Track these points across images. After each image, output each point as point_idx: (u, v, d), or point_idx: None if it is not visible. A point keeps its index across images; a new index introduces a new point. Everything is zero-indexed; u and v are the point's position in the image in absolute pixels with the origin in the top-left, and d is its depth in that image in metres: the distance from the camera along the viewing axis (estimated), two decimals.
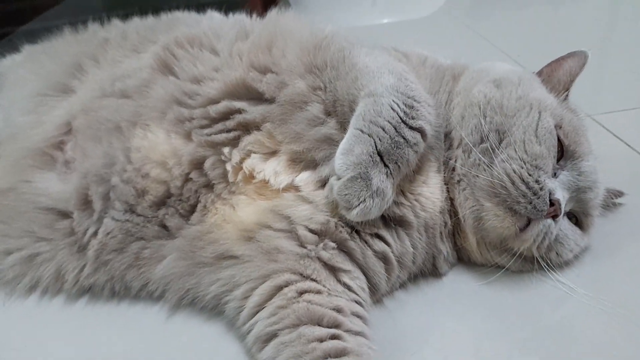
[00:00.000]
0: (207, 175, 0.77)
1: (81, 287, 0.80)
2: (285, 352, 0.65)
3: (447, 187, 0.82)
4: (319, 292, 0.71)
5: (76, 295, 0.81)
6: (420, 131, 0.73)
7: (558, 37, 1.70)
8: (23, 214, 0.80)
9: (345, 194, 0.69)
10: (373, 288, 0.76)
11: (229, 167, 0.77)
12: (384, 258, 0.76)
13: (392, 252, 0.77)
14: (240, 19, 0.96)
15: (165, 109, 0.80)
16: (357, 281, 0.74)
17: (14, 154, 0.85)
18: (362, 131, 0.71)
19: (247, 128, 0.78)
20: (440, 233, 0.81)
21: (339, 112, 0.76)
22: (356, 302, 0.72)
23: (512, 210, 0.75)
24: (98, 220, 0.78)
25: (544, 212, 0.74)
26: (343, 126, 0.75)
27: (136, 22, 1.04)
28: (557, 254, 0.79)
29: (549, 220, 0.76)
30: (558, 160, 0.79)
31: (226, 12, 1.01)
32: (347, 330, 0.67)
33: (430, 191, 0.79)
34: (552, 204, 0.75)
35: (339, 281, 0.73)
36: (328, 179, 0.74)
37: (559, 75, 0.89)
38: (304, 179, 0.76)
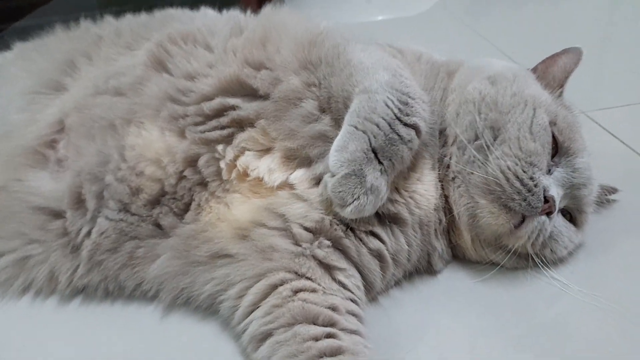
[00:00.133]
0: (201, 173, 0.77)
1: (75, 288, 0.80)
2: (281, 351, 0.64)
3: (442, 185, 0.81)
4: (314, 290, 0.70)
5: (70, 295, 0.80)
6: (415, 128, 0.73)
7: (553, 34, 1.70)
8: (15, 214, 0.80)
9: (339, 191, 0.69)
10: (368, 286, 0.76)
11: (222, 164, 0.77)
12: (378, 256, 0.76)
13: (387, 249, 0.76)
14: (234, 15, 0.96)
15: (159, 107, 0.79)
16: (352, 279, 0.74)
17: (5, 153, 0.84)
18: (356, 128, 0.71)
19: (241, 125, 0.77)
20: (435, 230, 0.81)
21: (334, 109, 0.76)
22: (351, 300, 0.72)
23: (506, 207, 0.75)
24: (92, 220, 0.78)
25: (539, 209, 0.74)
26: (337, 123, 0.75)
27: (129, 19, 1.03)
28: (551, 250, 0.80)
29: (544, 217, 0.76)
30: (552, 156, 0.79)
31: (220, 9, 1.00)
32: (342, 329, 0.67)
33: (425, 188, 0.79)
34: (546, 200, 0.75)
35: (334, 279, 0.73)
36: (323, 177, 0.74)
37: (553, 72, 0.89)
38: (299, 176, 0.76)
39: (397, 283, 0.82)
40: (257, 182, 0.77)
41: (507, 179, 0.74)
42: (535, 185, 0.74)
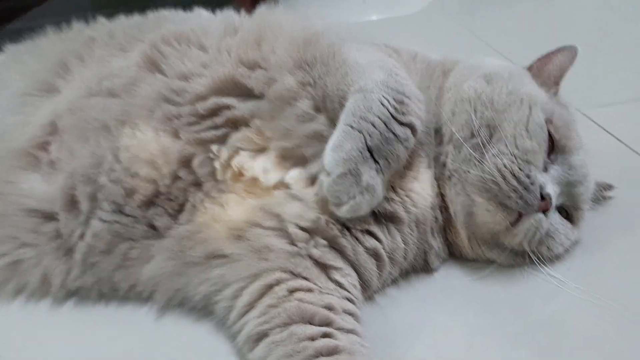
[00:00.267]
0: (195, 174, 0.76)
1: (68, 290, 0.79)
2: (277, 352, 0.64)
3: (438, 183, 0.81)
4: (310, 290, 0.70)
5: (63, 298, 0.80)
6: (411, 127, 0.73)
7: (548, 32, 1.70)
8: (6, 217, 0.79)
9: (335, 191, 0.69)
10: (364, 285, 0.76)
11: (217, 164, 0.76)
12: (375, 254, 0.76)
13: (384, 248, 0.76)
14: (228, 15, 0.96)
15: (154, 107, 0.79)
16: (349, 278, 0.73)
17: None
18: (352, 127, 0.70)
19: (235, 125, 0.77)
20: (432, 228, 0.81)
21: (329, 108, 0.76)
22: (348, 299, 0.72)
23: (503, 205, 0.75)
24: (85, 222, 0.77)
25: (535, 206, 0.74)
26: (333, 122, 0.75)
27: (122, 21, 1.02)
28: (548, 248, 0.79)
29: (540, 215, 0.76)
30: (549, 154, 0.79)
31: (214, 10, 1.00)
32: (338, 328, 0.66)
33: (421, 187, 0.79)
34: (543, 198, 0.75)
35: (330, 279, 0.72)
36: (318, 176, 0.74)
37: (549, 70, 0.89)
38: (294, 176, 0.76)
39: (394, 281, 0.81)
40: (252, 182, 0.76)
41: (504, 177, 0.74)
42: (532, 183, 0.74)
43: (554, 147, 0.80)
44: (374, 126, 0.70)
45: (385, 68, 0.77)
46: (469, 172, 0.77)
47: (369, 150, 0.70)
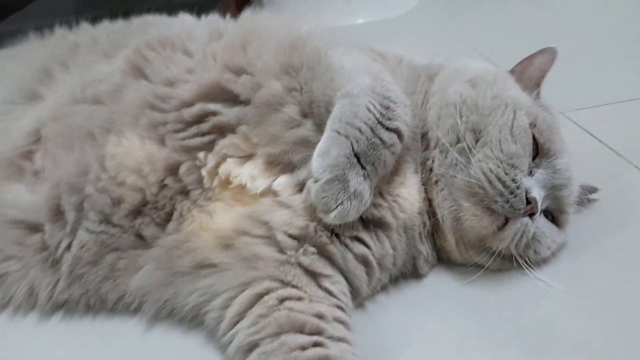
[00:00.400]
0: (182, 181, 0.76)
1: (55, 303, 0.78)
2: None
3: (425, 188, 0.81)
4: (300, 298, 0.70)
5: (50, 310, 0.78)
6: (397, 132, 0.73)
7: (531, 35, 1.72)
8: None
9: (323, 197, 0.69)
10: (354, 292, 0.76)
11: (204, 172, 0.76)
12: (364, 261, 0.76)
13: (373, 254, 0.76)
14: (213, 20, 0.95)
15: (139, 114, 0.78)
16: (338, 285, 0.73)
17: None
18: (338, 133, 0.70)
19: (222, 131, 0.76)
20: (420, 234, 0.81)
21: (316, 114, 0.75)
22: (338, 307, 0.72)
23: (489, 210, 0.75)
24: (71, 232, 0.76)
25: (521, 210, 0.75)
26: (320, 128, 0.74)
27: (106, 26, 1.01)
28: (535, 251, 0.80)
29: (526, 219, 0.76)
30: (533, 158, 0.80)
31: (199, 14, 0.99)
32: (329, 337, 0.66)
33: (409, 192, 0.79)
34: (528, 202, 0.75)
35: (320, 286, 0.72)
36: (306, 182, 0.73)
37: (530, 73, 0.90)
38: (282, 182, 0.75)
39: (383, 288, 0.81)
40: (240, 189, 0.76)
41: (490, 182, 0.75)
42: (518, 187, 0.75)
43: (538, 151, 0.80)
44: (361, 132, 0.70)
45: (371, 73, 0.77)
46: (455, 176, 0.77)
47: (356, 156, 0.70)
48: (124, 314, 0.78)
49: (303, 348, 0.64)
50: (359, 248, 0.75)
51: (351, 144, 0.70)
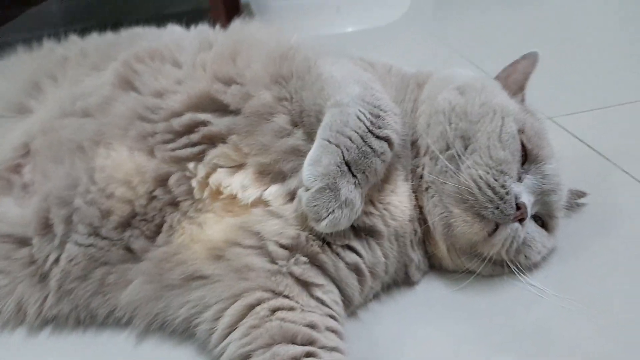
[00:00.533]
0: (172, 192, 0.75)
1: (44, 319, 0.77)
2: None
3: (416, 195, 0.82)
4: (292, 308, 0.69)
5: (39, 326, 0.77)
6: (387, 140, 0.73)
7: (518, 41, 1.74)
8: None
9: (314, 205, 0.68)
10: (346, 300, 0.76)
11: (194, 183, 0.75)
12: (356, 269, 0.76)
13: (364, 262, 0.76)
14: (202, 30, 0.95)
15: (128, 126, 0.77)
16: (330, 295, 0.73)
17: None
18: (329, 141, 0.70)
19: (212, 141, 0.76)
20: (411, 241, 0.81)
21: (306, 123, 0.76)
22: (330, 316, 0.71)
23: (480, 216, 0.75)
24: (60, 246, 0.75)
25: (511, 216, 0.75)
26: (310, 137, 0.75)
27: (95, 38, 1.01)
28: (525, 256, 0.80)
29: (516, 224, 0.77)
30: (522, 164, 0.80)
31: (188, 24, 0.99)
32: (322, 347, 0.66)
33: (399, 200, 0.80)
34: (518, 207, 0.75)
35: (312, 296, 0.72)
36: (297, 192, 0.73)
37: (514, 77, 0.91)
38: (273, 192, 0.75)
39: (376, 296, 0.81)
40: (231, 199, 0.76)
41: (479, 188, 0.75)
42: (507, 193, 0.75)
43: (526, 157, 0.81)
44: (351, 140, 0.70)
45: (360, 82, 0.77)
46: (445, 183, 0.78)
47: (347, 165, 0.70)
48: (114, 328, 0.77)
49: (295, 358, 0.63)
50: (351, 256, 0.75)
51: (342, 152, 0.70)
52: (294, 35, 0.87)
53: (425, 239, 0.83)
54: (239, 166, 0.76)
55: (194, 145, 0.76)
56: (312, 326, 0.68)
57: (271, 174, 0.76)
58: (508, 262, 0.79)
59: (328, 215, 0.69)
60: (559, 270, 0.85)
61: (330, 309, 0.72)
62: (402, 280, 0.83)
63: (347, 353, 0.67)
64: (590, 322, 0.76)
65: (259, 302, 0.69)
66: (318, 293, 0.72)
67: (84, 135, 0.78)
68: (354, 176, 0.71)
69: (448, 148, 0.79)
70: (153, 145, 0.76)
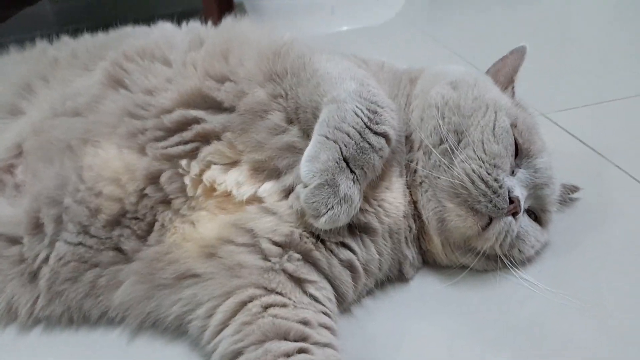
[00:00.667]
0: (163, 190, 0.75)
1: (36, 319, 0.76)
2: None
3: (410, 190, 0.82)
4: (284, 305, 0.69)
5: (31, 325, 0.77)
6: (385, 136, 0.73)
7: (511, 39, 1.72)
8: None
9: (313, 202, 0.68)
10: (340, 297, 0.76)
11: (187, 180, 0.75)
12: (350, 266, 0.76)
13: (358, 259, 0.76)
14: (193, 27, 0.94)
15: (116, 123, 0.77)
16: (324, 291, 0.73)
17: None
18: (327, 137, 0.70)
19: (206, 138, 0.76)
20: (405, 238, 0.81)
21: (302, 120, 0.75)
22: (323, 313, 0.71)
23: (473, 210, 0.75)
24: (50, 245, 0.75)
25: (505, 210, 0.75)
26: (306, 133, 0.74)
27: (86, 39, 1.01)
28: (519, 250, 0.80)
29: (510, 218, 0.77)
30: (514, 158, 0.80)
31: (179, 23, 0.98)
32: (314, 343, 0.66)
33: (394, 196, 0.79)
34: (511, 201, 0.76)
35: (305, 292, 0.72)
36: (292, 189, 0.73)
37: (504, 72, 0.91)
38: (267, 189, 0.75)
39: (370, 292, 0.81)
40: (225, 197, 0.75)
41: (473, 182, 0.75)
42: (500, 187, 0.75)
43: (518, 151, 0.81)
44: (349, 136, 0.70)
45: (356, 78, 0.77)
46: (439, 178, 0.77)
47: (345, 160, 0.70)
48: (107, 326, 0.77)
49: (288, 355, 0.63)
50: (345, 253, 0.75)
51: (340, 148, 0.70)
52: (287, 34, 0.87)
53: (419, 235, 0.83)
54: (234, 163, 0.76)
55: (186, 143, 0.76)
56: (304, 323, 0.67)
57: (266, 170, 0.75)
58: (502, 257, 0.79)
59: (327, 212, 0.68)
60: (552, 265, 0.85)
61: (324, 305, 0.72)
62: (396, 277, 0.83)
63: (340, 349, 0.67)
64: (583, 316, 0.76)
65: (251, 299, 0.69)
66: (311, 290, 0.72)
67: (72, 135, 0.78)
68: (352, 172, 0.70)
69: (441, 142, 0.79)
70: (144, 143, 0.76)
